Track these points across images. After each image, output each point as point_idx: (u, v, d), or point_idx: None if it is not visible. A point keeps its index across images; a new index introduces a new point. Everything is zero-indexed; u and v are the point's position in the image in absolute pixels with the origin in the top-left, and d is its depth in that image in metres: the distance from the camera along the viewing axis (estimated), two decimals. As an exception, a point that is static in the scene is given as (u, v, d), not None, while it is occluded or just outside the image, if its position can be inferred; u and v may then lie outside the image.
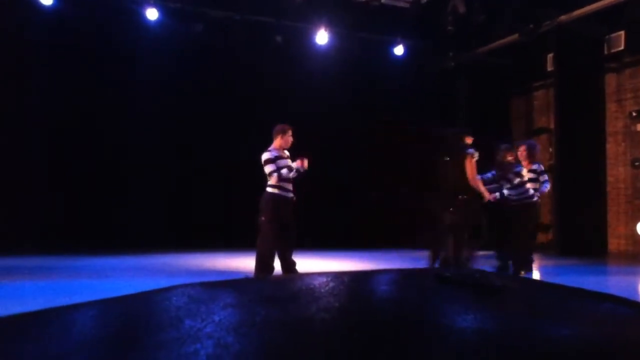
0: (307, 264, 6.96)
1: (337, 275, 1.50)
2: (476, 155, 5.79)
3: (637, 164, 9.93)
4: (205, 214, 10.18)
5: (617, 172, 10.37)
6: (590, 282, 6.31)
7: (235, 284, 1.52)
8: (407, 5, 9.88)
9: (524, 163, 6.66)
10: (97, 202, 9.68)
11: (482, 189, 5.81)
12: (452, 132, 6.12)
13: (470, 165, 5.72)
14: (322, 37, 10.32)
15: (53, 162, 9.49)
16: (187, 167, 10.31)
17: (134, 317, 1.27)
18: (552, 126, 11.28)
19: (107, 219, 9.62)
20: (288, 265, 5.62)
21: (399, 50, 11.05)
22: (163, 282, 5.61)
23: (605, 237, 10.15)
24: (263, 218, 5.52)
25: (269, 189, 5.57)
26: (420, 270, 1.69)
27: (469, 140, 5.97)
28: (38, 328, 1.40)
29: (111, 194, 9.83)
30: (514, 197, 6.54)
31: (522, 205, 6.50)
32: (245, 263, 7.60)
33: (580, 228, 9.85)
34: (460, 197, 5.73)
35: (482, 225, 5.96)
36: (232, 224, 10.13)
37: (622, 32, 10.08)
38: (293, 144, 5.82)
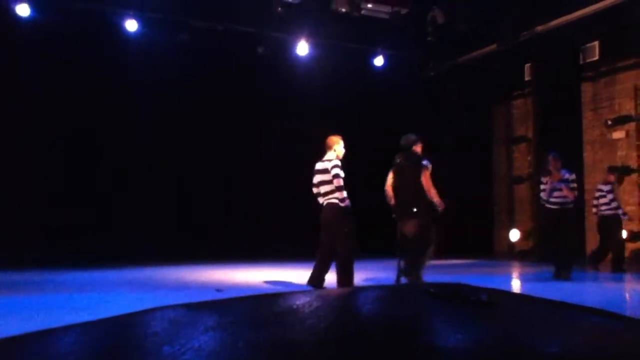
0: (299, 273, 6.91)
1: (323, 294, 1.46)
2: (430, 166, 5.85)
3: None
4: (192, 226, 10.10)
5: (594, 180, 10.51)
6: (570, 288, 6.36)
7: (218, 305, 1.47)
8: (387, 16, 9.94)
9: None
10: (80, 215, 9.51)
11: (437, 200, 5.78)
12: (406, 139, 6.08)
13: (426, 178, 5.77)
14: (302, 48, 10.33)
15: (32, 175, 9.32)
16: (172, 177, 10.20)
17: (112, 342, 1.22)
18: (530, 135, 11.43)
19: (91, 233, 9.44)
20: (320, 278, 5.77)
21: (379, 60, 11.12)
22: (145, 296, 5.58)
23: (584, 244, 10.28)
24: (346, 229, 5.61)
25: (339, 202, 5.65)
26: (408, 286, 1.66)
27: (418, 148, 6.00)
28: (14, 353, 1.34)
29: (94, 207, 9.68)
30: (556, 203, 6.97)
31: (564, 210, 6.95)
32: (229, 276, 7.54)
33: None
34: (413, 208, 5.78)
35: (431, 237, 5.91)
36: (217, 236, 10.05)
37: (597, 42, 10.29)
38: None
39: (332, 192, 5.71)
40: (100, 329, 1.32)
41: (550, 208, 7.12)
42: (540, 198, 7.36)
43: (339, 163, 5.75)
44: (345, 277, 5.66)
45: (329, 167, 5.69)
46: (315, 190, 5.90)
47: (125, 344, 1.20)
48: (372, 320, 1.33)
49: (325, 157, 5.85)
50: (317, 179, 5.85)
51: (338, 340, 1.17)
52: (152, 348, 1.12)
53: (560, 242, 7.09)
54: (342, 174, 5.69)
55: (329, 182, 5.70)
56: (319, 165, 5.87)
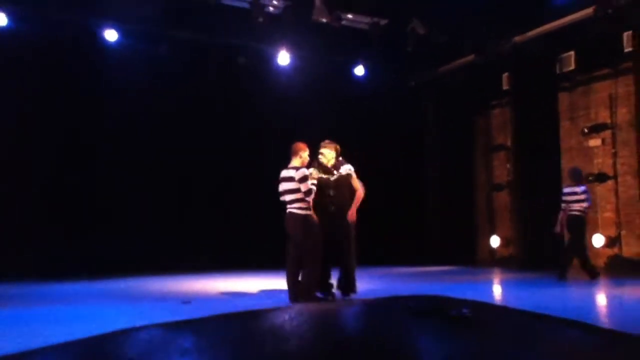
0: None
1: (302, 311, 1.45)
2: (309, 171, 5.79)
3: (590, 178, 10.25)
4: (191, 226, 10.10)
5: (572, 187, 10.67)
6: (550, 294, 6.43)
7: (194, 324, 1.45)
8: (366, 27, 10.02)
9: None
10: (80, 215, 9.50)
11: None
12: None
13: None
14: (283, 58, 10.35)
15: (17, 185, 9.20)
16: (152, 187, 10.09)
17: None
18: (509, 143, 11.58)
19: (91, 233, 9.40)
20: (298, 285, 5.65)
21: (359, 70, 11.18)
22: (124, 308, 5.50)
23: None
24: (310, 241, 5.52)
25: (302, 212, 5.59)
26: (388, 301, 1.65)
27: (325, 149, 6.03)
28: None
29: (93, 207, 9.67)
30: (581, 211, 7.89)
31: (586, 216, 8.01)
32: (211, 285, 7.47)
33: (539, 242, 10.07)
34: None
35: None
36: (214, 237, 10.12)
37: (572, 53, 10.49)
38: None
39: (295, 201, 5.62)
40: (74, 352, 1.29)
41: (577, 215, 7.90)
42: (571, 207, 7.99)
43: (306, 171, 5.66)
44: (305, 288, 5.56)
45: (294, 175, 5.60)
46: (281, 198, 5.79)
47: (99, 368, 1.17)
48: (352, 339, 1.32)
49: (291, 165, 5.75)
50: (281, 187, 5.75)
51: (318, 359, 1.16)
52: (127, 373, 1.10)
53: (584, 245, 8.05)
54: (310, 180, 5.62)
55: (293, 190, 5.61)
56: (284, 173, 5.75)
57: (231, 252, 10.30)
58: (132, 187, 9.82)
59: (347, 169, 5.98)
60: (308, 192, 5.55)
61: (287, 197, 5.67)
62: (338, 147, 6.07)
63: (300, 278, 5.63)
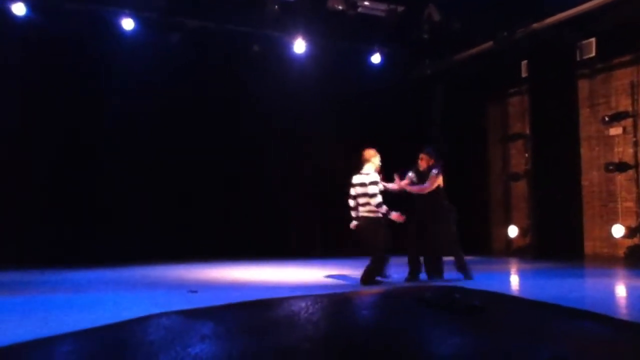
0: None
1: (317, 299, 1.47)
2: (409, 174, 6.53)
3: (610, 167, 10.11)
4: (192, 225, 10.14)
5: (591, 176, 10.54)
6: (568, 286, 6.38)
7: (212, 312, 1.48)
8: (383, 14, 9.91)
9: None
10: (80, 216, 9.55)
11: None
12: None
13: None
14: (299, 46, 10.31)
15: (30, 174, 9.30)
16: (165, 178, 10.17)
17: (108, 351, 1.23)
18: (527, 132, 11.44)
19: (91, 233, 9.45)
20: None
21: (376, 58, 11.10)
22: (141, 295, 5.59)
23: (581, 240, 10.29)
24: (378, 240, 6.12)
25: (371, 214, 6.14)
26: (401, 291, 1.67)
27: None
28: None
29: (93, 207, 9.70)
30: None
31: None
32: (224, 273, 7.55)
33: (556, 231, 9.99)
34: None
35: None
36: (217, 235, 10.14)
37: (593, 39, 10.28)
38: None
39: (366, 204, 6.12)
40: (95, 338, 1.33)
41: None
42: None
43: (378, 178, 6.11)
44: (370, 273, 6.14)
45: (367, 182, 6.08)
46: (352, 202, 6.29)
47: (121, 353, 1.21)
48: (366, 328, 1.34)
49: (364, 171, 6.20)
50: (354, 191, 6.24)
51: (332, 348, 1.19)
52: (148, 357, 1.13)
53: None
54: (379, 195, 6.07)
55: (364, 195, 6.10)
56: (356, 179, 6.22)
57: (233, 246, 10.28)
58: (132, 186, 9.82)
59: (433, 173, 6.47)
60: (372, 196, 6.02)
61: (361, 201, 6.18)
62: (431, 153, 6.57)
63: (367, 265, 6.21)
